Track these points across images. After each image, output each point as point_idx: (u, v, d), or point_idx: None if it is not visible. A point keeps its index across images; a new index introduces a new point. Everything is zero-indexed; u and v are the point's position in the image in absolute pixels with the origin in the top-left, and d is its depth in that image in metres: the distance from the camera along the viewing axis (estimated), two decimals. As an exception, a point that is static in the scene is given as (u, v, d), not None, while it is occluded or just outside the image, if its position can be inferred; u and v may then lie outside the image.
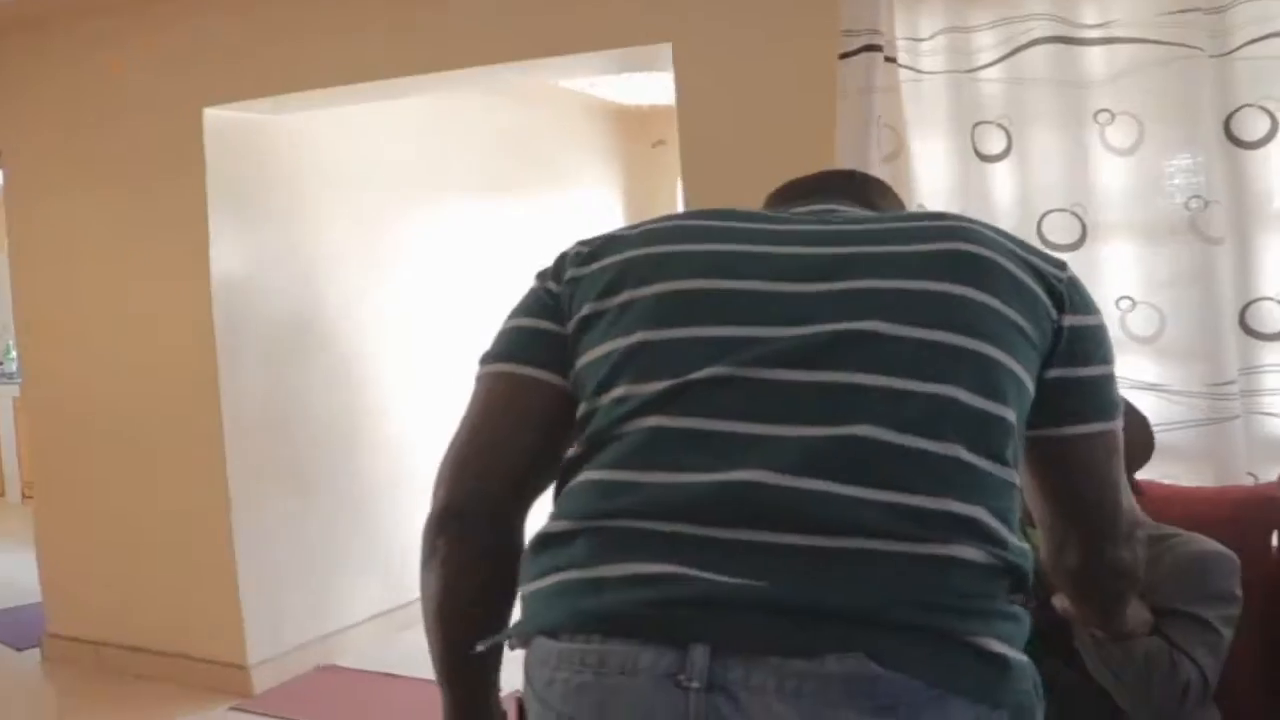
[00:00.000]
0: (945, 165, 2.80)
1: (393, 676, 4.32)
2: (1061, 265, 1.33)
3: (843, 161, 2.77)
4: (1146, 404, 2.69)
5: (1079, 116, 2.66)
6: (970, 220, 1.35)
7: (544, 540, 1.21)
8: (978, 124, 2.76)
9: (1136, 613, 1.76)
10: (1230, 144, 2.55)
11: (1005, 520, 1.16)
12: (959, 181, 2.79)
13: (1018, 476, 1.22)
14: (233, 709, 4.05)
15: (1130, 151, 2.64)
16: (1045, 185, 2.71)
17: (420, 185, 4.95)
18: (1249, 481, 2.59)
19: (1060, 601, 1.73)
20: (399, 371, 4.88)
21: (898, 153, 2.82)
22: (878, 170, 2.77)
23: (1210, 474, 2.63)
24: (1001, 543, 1.14)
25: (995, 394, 1.18)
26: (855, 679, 1.03)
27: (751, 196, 2.97)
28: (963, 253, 1.26)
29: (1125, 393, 2.68)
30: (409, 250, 4.93)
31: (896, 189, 2.80)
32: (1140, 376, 2.70)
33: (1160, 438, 2.71)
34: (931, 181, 2.81)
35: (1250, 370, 2.63)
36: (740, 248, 1.30)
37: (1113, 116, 2.64)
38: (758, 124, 3.04)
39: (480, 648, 1.29)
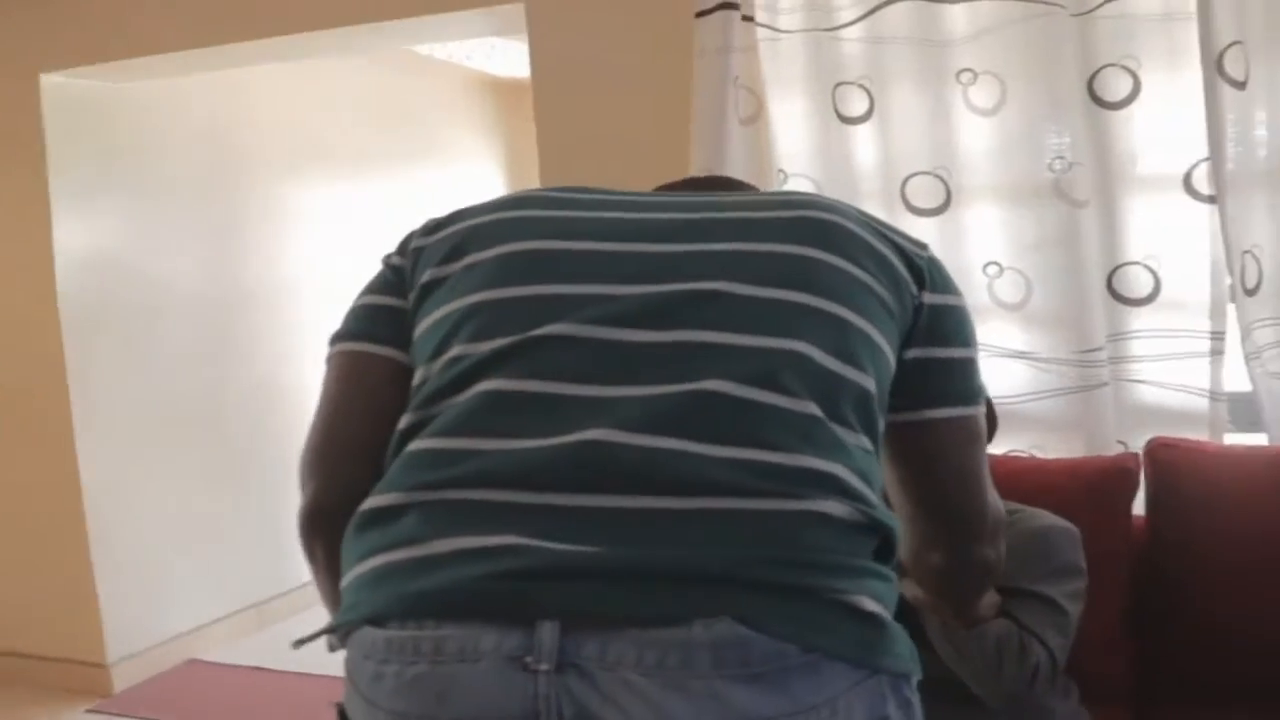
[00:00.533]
0: (805, 127, 2.70)
1: (264, 670, 4.15)
2: (923, 245, 1.28)
3: (700, 124, 2.67)
4: (1015, 372, 2.65)
5: (941, 76, 2.58)
6: (827, 197, 1.31)
7: (369, 518, 1.09)
8: (838, 85, 2.66)
9: (987, 597, 1.70)
10: (1093, 104, 2.49)
11: (867, 481, 1.09)
12: (820, 144, 2.69)
13: (872, 445, 1.14)
14: (90, 711, 3.85)
15: (993, 112, 2.56)
16: (908, 147, 2.63)
17: (287, 158, 4.76)
18: (1119, 449, 2.53)
19: (910, 589, 1.66)
20: (268, 349, 4.70)
21: (757, 115, 2.72)
22: (736, 133, 2.68)
23: (1080, 443, 2.58)
24: (865, 500, 1.07)
25: (849, 357, 1.12)
26: (724, 645, 0.94)
27: (608, 161, 2.89)
28: (814, 219, 1.21)
29: (994, 361, 2.66)
30: (275, 225, 4.75)
31: (756, 153, 2.74)
32: (1008, 344, 2.64)
33: (1029, 407, 2.67)
34: (791, 144, 2.71)
35: (1118, 336, 2.58)
36: (589, 214, 1.24)
37: (975, 76, 2.56)
38: (614, 86, 2.92)
39: (295, 646, 1.18)
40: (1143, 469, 2.34)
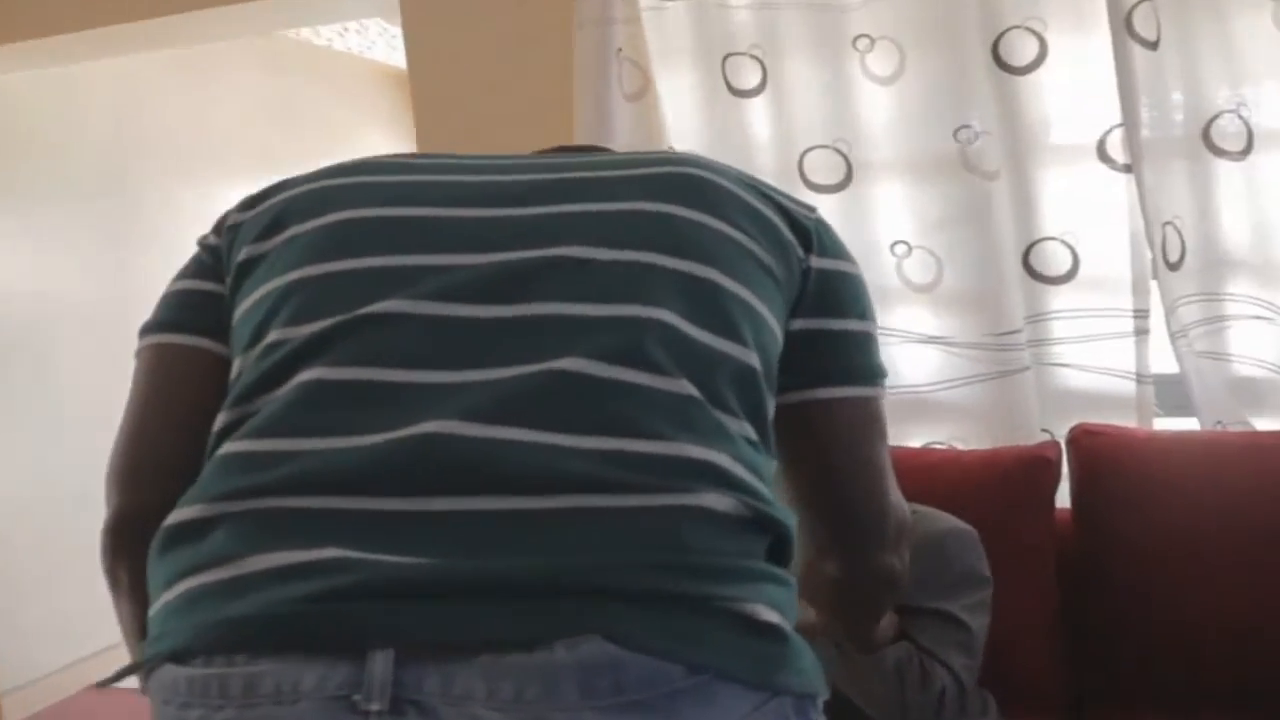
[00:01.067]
0: (694, 103, 2.51)
1: (170, 694, 3.94)
2: (810, 207, 1.12)
3: (582, 101, 2.48)
4: (928, 358, 2.48)
5: (837, 43, 2.40)
6: (704, 157, 1.14)
7: (173, 535, 0.91)
8: (728, 56, 2.47)
9: (885, 618, 1.54)
10: (999, 69, 2.31)
11: (756, 473, 0.92)
12: (711, 120, 2.50)
13: (757, 434, 0.97)
14: (-22, 745, 3.65)
15: (892, 80, 2.38)
16: (805, 120, 2.44)
17: (185, 159, 4.55)
18: (1045, 438, 2.37)
19: (800, 611, 1.48)
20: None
21: (644, 90, 2.52)
22: (622, 110, 2.50)
23: (1002, 432, 2.41)
24: (754, 492, 0.90)
25: (723, 328, 0.96)
26: (593, 669, 0.78)
27: (490, 141, 2.69)
28: (682, 174, 1.06)
29: (906, 347, 2.49)
30: (172, 230, 4.53)
31: (646, 131, 2.54)
32: (920, 328, 2.47)
33: (945, 395, 2.50)
34: (681, 120, 2.52)
35: (1037, 317, 2.41)
36: (429, 177, 1.08)
37: (872, 42, 2.38)
38: (494, 62, 2.72)
39: (98, 687, 0.99)
40: (1066, 458, 2.20)
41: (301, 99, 5.15)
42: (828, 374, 1.09)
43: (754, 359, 0.97)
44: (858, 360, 1.11)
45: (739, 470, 0.90)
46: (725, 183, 1.06)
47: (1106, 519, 2.13)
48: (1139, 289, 2.34)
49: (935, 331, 2.46)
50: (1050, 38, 2.28)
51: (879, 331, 2.42)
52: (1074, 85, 2.30)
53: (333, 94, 5.45)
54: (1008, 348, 2.40)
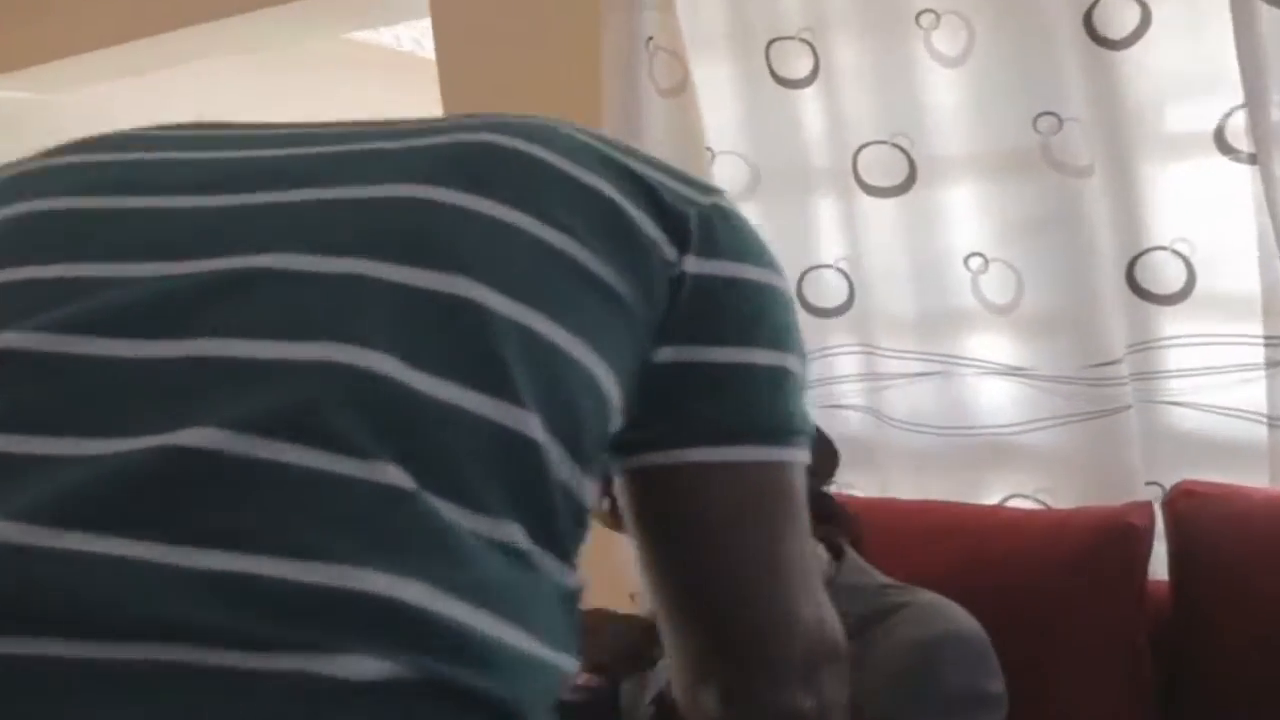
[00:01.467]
0: (735, 95, 2.20)
1: None
2: (708, 188, 0.79)
3: (611, 96, 2.22)
4: (1009, 393, 2.10)
5: (897, 21, 2.06)
6: (536, 119, 0.80)
7: None
8: (774, 41, 2.16)
9: None
10: (1093, 43, 1.93)
11: (495, 605, 0.61)
12: (754, 115, 2.20)
13: (531, 538, 0.65)
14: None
15: (960, 60, 2.03)
16: (862, 111, 2.11)
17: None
18: (1154, 493, 1.96)
19: None
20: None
21: (683, 84, 2.24)
22: (656, 106, 2.23)
23: (1098, 484, 2.01)
24: (456, 645, 0.59)
25: (480, 375, 0.64)
26: None
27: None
28: (478, 143, 0.75)
29: (981, 380, 2.11)
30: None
31: (684, 129, 2.24)
32: (998, 358, 2.10)
33: (1029, 438, 2.11)
34: (719, 116, 2.22)
35: (1144, 346, 2.01)
36: (161, 155, 0.79)
37: (937, 18, 2.03)
38: (524, 57, 2.50)
39: None
40: (1163, 522, 1.80)
41: (385, 104, 5.03)
42: (706, 428, 0.76)
43: (532, 423, 0.65)
44: (756, 407, 0.78)
45: (448, 609, 0.59)
46: (548, 155, 0.74)
47: (1211, 600, 1.75)
48: (1271, 310, 1.91)
49: (1016, 361, 2.09)
50: (1154, 3, 1.90)
51: (953, 362, 2.08)
52: (1185, 59, 1.92)
53: (417, 98, 5.33)
54: (1105, 382, 2.00)
